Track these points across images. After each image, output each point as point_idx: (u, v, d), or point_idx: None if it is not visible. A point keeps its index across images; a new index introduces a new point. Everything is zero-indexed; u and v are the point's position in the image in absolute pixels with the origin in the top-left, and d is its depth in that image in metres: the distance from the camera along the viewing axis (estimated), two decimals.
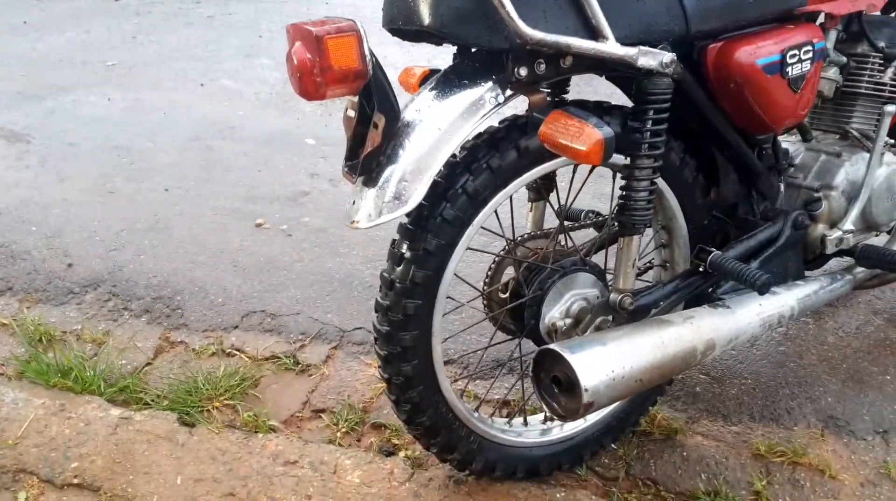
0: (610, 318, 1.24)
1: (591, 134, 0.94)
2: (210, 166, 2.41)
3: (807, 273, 1.48)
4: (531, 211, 1.41)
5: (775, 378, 1.67)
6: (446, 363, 1.34)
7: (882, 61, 1.41)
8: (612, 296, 1.21)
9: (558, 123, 0.98)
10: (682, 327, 1.13)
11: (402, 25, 1.00)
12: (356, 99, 1.02)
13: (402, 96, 1.00)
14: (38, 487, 1.30)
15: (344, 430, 1.47)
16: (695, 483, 1.40)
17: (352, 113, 1.04)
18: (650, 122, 1.09)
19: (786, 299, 1.27)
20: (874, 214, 1.41)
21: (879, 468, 1.46)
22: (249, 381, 1.58)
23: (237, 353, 1.68)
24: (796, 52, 1.19)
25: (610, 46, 1.00)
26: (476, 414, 1.30)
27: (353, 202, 1.04)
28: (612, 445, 1.47)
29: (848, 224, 1.38)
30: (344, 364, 1.65)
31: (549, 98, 1.18)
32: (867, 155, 1.38)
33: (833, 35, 1.35)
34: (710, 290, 1.32)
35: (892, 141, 1.50)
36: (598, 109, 1.15)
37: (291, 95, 2.96)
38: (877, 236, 1.55)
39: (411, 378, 1.17)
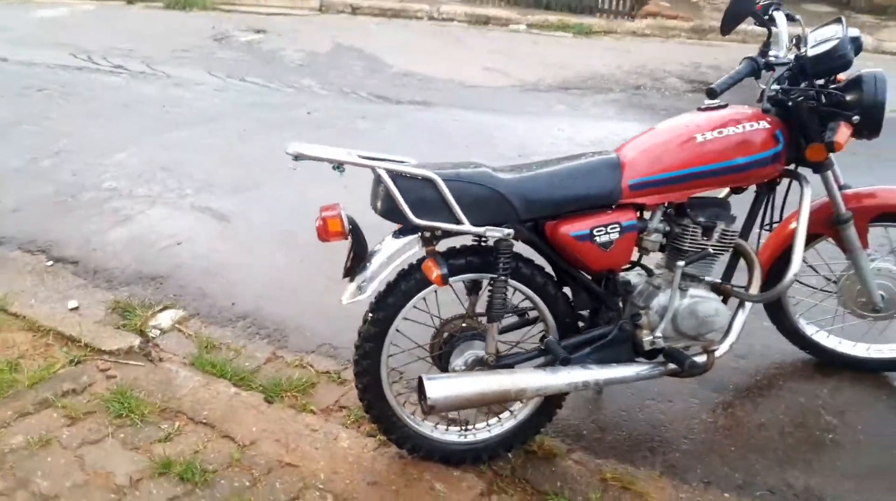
0: (487, 368, 2.11)
1: (436, 272, 1.88)
2: (331, 248, 3.54)
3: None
4: (468, 299, 2.31)
5: (645, 434, 2.38)
6: (393, 382, 2.25)
7: (702, 231, 2.12)
8: (485, 356, 2.09)
9: (429, 263, 1.93)
10: (505, 377, 1.99)
11: (374, 211, 2.00)
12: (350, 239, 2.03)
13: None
14: (185, 421, 2.42)
15: (353, 420, 2.44)
16: (552, 487, 2.17)
17: (348, 244, 2.06)
18: (500, 265, 1.98)
19: (593, 374, 2.05)
20: (681, 328, 2.13)
21: None
22: (310, 384, 2.62)
23: (309, 367, 2.73)
24: (603, 228, 2.00)
25: (466, 227, 1.92)
26: (412, 417, 2.22)
27: (345, 291, 2.04)
28: (508, 454, 2.29)
29: (658, 333, 2.12)
30: None
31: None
32: (677, 289, 2.11)
33: (658, 214, 2.11)
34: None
35: (714, 280, 2.19)
36: (485, 251, 2.05)
37: None
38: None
39: (366, 388, 2.13)
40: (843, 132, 1.95)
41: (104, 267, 3.48)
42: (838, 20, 2.05)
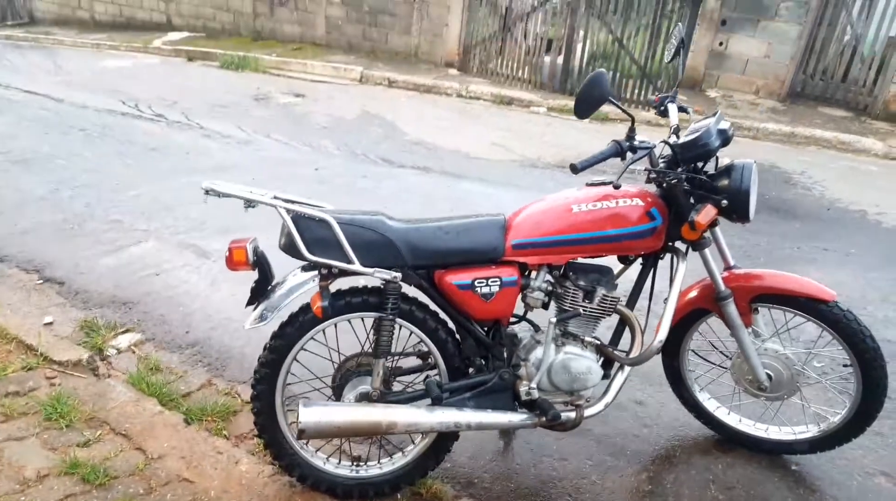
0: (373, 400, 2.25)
1: (318, 304, 2.06)
2: None
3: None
4: (369, 338, 2.45)
5: (532, 489, 2.44)
6: (288, 410, 2.39)
7: (584, 294, 2.26)
8: (370, 390, 2.23)
9: (315, 296, 2.11)
10: (378, 410, 2.12)
11: (279, 247, 2.21)
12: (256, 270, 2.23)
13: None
14: (108, 430, 2.59)
15: (260, 448, 2.58)
16: None
17: (255, 275, 2.26)
18: (388, 305, 2.15)
19: (465, 417, 2.17)
20: (555, 382, 2.24)
21: None
22: (232, 412, 2.79)
23: (237, 396, 2.90)
24: (484, 279, 2.16)
25: (356, 267, 2.10)
26: (304, 446, 2.36)
27: (249, 317, 2.24)
28: (396, 494, 2.39)
29: (534, 384, 2.23)
30: None
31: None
32: (552, 345, 2.24)
33: (542, 274, 2.26)
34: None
35: (595, 341, 2.30)
36: (376, 292, 2.22)
37: None
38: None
39: (260, 412, 2.28)
40: (706, 213, 2.09)
41: (85, 289, 3.76)
42: (715, 113, 2.22)
